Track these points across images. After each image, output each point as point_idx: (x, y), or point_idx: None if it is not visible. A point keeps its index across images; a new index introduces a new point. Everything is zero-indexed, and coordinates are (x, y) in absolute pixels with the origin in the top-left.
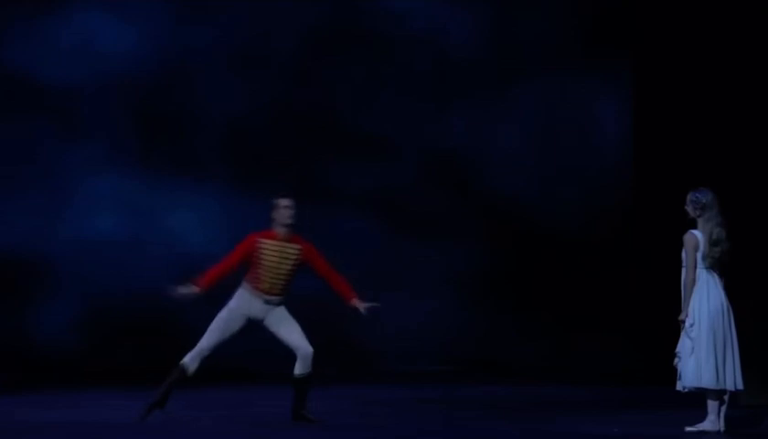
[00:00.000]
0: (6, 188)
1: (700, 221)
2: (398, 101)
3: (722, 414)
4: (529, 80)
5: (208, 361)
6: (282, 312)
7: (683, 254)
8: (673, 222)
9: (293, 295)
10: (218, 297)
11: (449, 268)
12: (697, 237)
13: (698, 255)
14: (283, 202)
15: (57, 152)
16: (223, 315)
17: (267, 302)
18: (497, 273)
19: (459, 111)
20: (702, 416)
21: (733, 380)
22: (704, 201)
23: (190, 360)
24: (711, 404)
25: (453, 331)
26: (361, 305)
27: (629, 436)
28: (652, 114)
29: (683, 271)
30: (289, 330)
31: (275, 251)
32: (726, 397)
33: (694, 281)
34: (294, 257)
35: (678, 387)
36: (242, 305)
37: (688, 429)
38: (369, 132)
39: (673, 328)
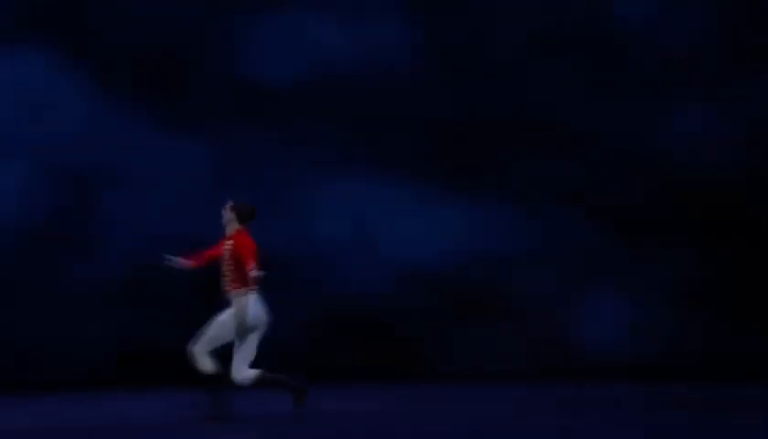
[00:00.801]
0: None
1: None
2: (612, 101)
3: None
4: (750, 79)
5: None
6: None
7: None
8: None
9: None
10: None
11: (663, 270)
12: None
13: None
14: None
15: (281, 157)
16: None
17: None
18: (714, 278)
19: (677, 111)
20: None
21: None
22: None
23: None
24: None
25: (668, 332)
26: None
27: None
28: None
29: None
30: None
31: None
32: None
33: None
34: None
35: None
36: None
37: None
38: (583, 131)
39: None
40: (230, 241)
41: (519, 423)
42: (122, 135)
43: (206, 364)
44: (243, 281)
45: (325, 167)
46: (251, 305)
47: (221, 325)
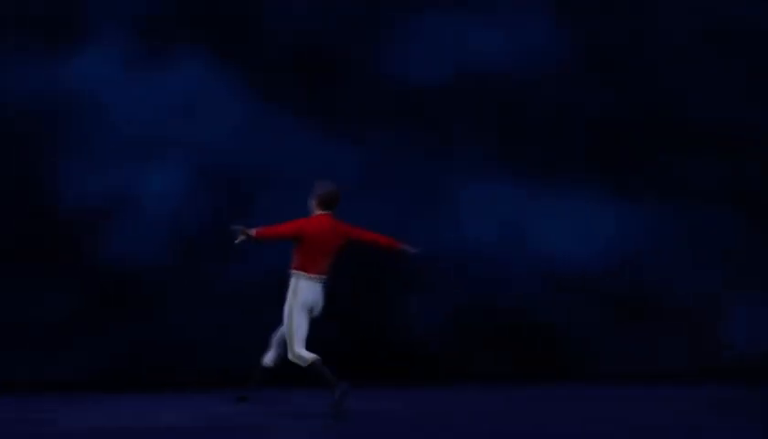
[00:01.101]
0: (380, 188)
1: None
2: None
3: None
4: None
5: None
6: None
7: None
8: None
9: None
10: None
11: None
12: None
13: None
14: None
15: (429, 156)
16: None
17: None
18: None
19: None
20: None
21: None
22: None
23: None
24: None
25: None
26: None
27: None
28: None
29: None
30: None
31: None
32: None
33: None
34: None
35: None
36: None
37: None
38: (743, 130)
39: None
40: None
41: (678, 424)
42: (275, 137)
43: (305, 357)
44: (296, 263)
45: (474, 168)
46: (300, 288)
47: (286, 316)
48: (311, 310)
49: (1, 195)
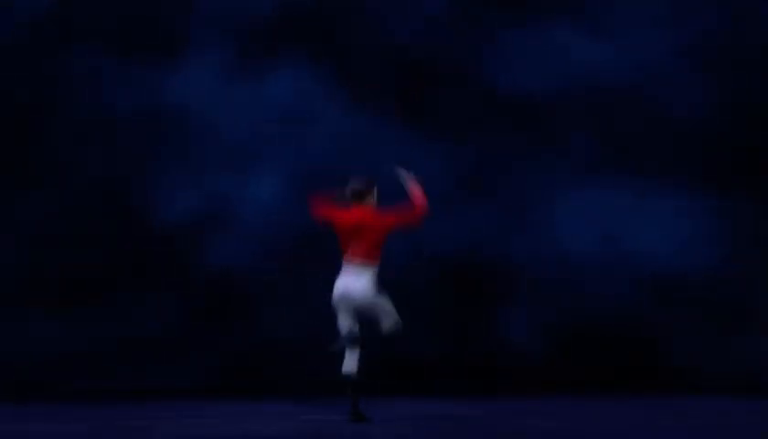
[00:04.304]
0: (477, 198)
1: None
2: None
3: None
4: None
5: None
6: None
7: None
8: None
9: None
10: None
11: None
12: None
13: None
14: None
15: (529, 167)
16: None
17: None
18: None
19: None
20: None
21: None
22: None
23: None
24: None
25: None
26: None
27: None
28: None
29: None
30: None
31: None
32: None
33: None
34: None
35: None
36: None
37: None
38: None
39: None
40: None
41: None
42: (372, 146)
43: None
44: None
45: (572, 176)
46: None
47: None
48: (348, 301)
49: (102, 207)
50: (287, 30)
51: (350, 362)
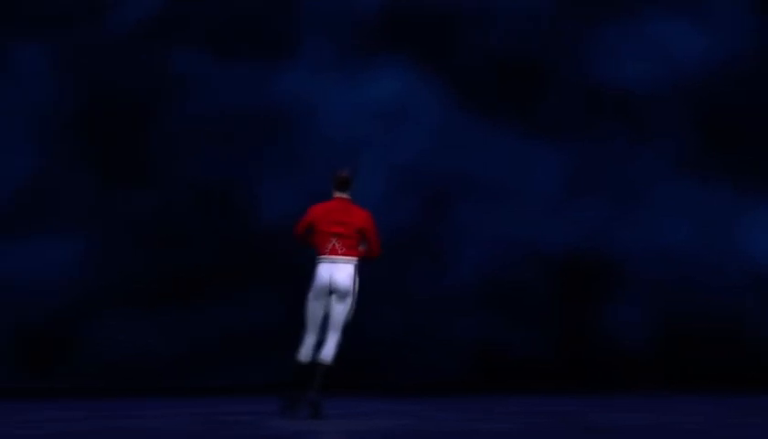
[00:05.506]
0: (581, 192)
1: None
2: None
3: None
4: None
5: None
6: None
7: None
8: None
9: None
10: None
11: None
12: None
13: None
14: None
15: (631, 163)
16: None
17: None
18: None
19: None
20: None
21: None
22: None
23: None
24: None
25: None
26: None
27: None
28: None
29: None
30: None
31: None
32: None
33: None
34: None
35: None
36: None
37: None
38: None
39: None
40: None
41: None
42: (475, 142)
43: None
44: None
45: (679, 171)
46: (315, 273)
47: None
48: (330, 292)
49: (205, 207)
50: (391, 30)
51: (306, 350)
